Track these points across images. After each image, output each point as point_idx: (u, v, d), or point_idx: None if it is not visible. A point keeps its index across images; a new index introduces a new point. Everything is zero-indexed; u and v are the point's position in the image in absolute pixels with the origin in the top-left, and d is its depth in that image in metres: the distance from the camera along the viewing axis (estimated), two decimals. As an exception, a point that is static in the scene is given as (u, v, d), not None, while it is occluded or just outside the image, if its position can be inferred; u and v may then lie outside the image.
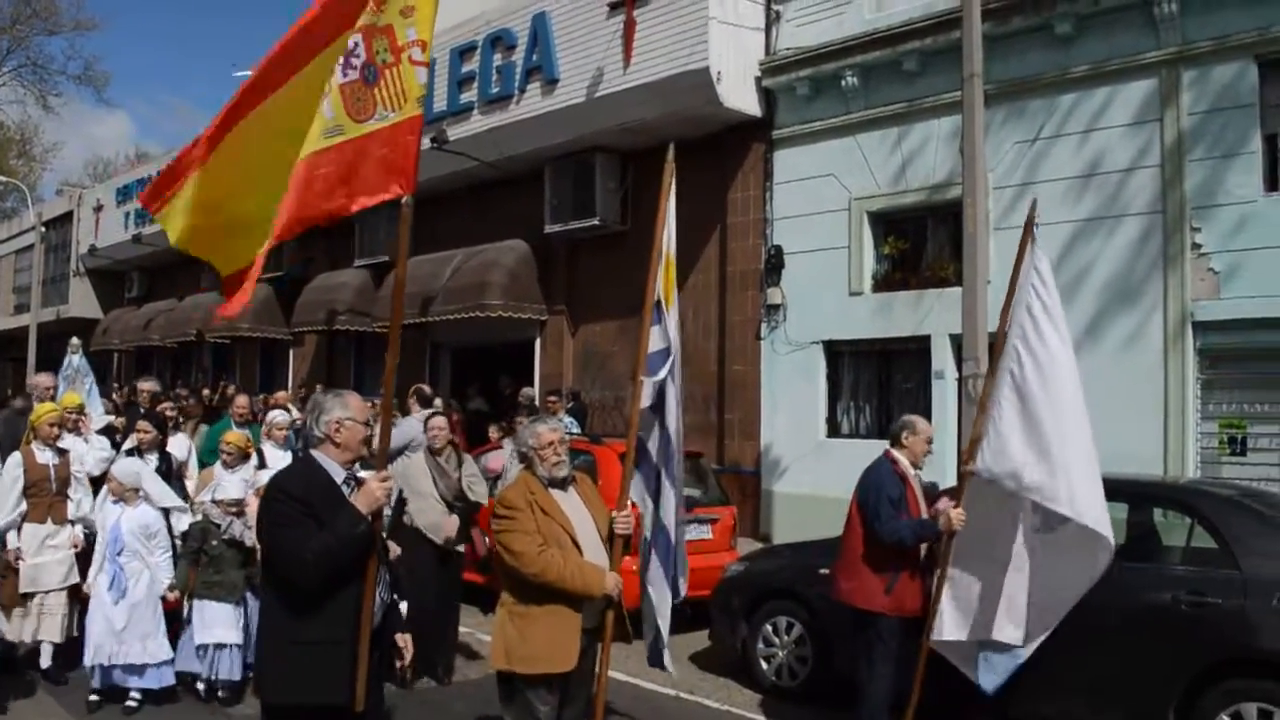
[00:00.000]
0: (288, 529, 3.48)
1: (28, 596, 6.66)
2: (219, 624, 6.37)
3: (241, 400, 9.93)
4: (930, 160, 11.26)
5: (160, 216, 3.84)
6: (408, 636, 3.98)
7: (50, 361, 29.16)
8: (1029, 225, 5.21)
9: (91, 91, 45.07)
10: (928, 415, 11.10)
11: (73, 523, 6.95)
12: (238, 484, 6.64)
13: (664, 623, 4.87)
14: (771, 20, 12.54)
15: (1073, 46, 10.24)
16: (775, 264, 12.27)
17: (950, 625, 5.25)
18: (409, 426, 8.78)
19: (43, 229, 28.25)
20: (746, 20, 12.32)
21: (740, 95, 12.28)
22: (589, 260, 14.65)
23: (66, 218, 28.81)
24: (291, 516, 3.49)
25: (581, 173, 13.92)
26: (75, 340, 10.87)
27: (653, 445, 4.80)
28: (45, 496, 6.86)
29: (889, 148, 11.59)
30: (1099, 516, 4.88)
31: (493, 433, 11.10)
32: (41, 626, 6.75)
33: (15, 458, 6.87)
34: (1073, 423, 4.96)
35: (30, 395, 13.56)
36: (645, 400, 4.72)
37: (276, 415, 8.63)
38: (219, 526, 6.48)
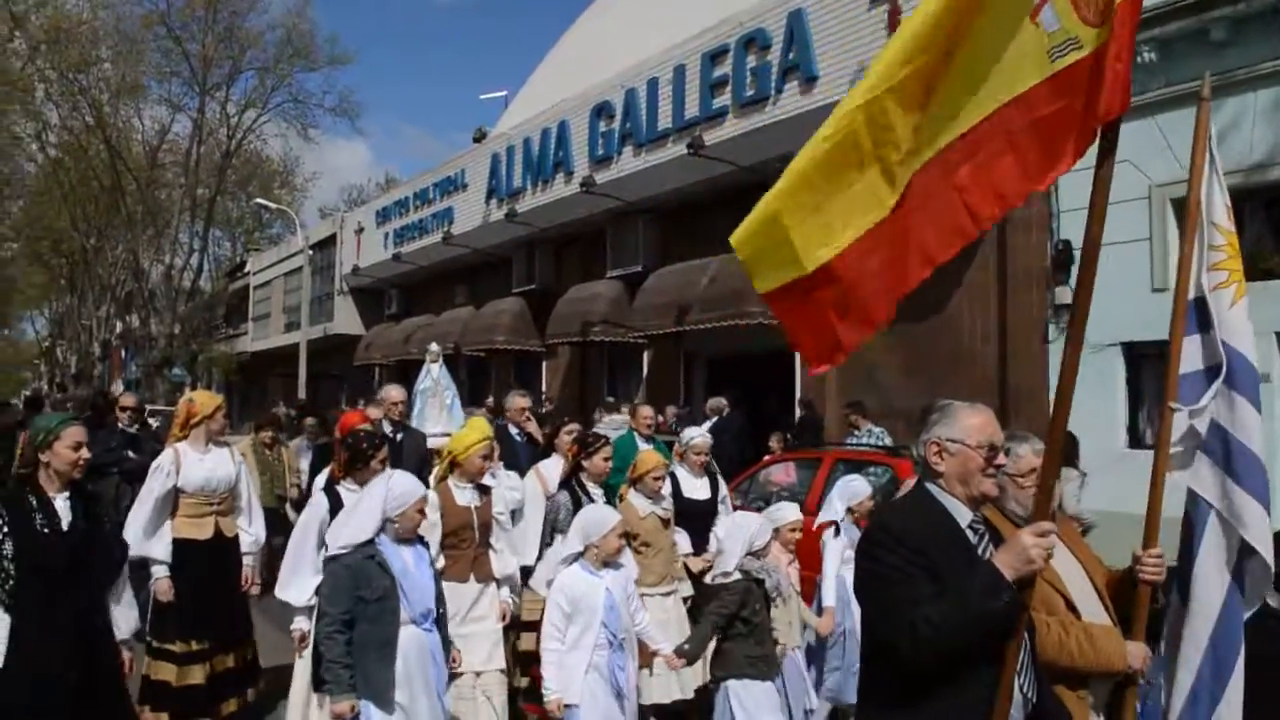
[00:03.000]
0: (895, 586, 2.69)
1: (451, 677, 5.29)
2: (767, 709, 5.07)
3: (646, 411, 8.50)
4: (1245, 138, 10.38)
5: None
6: None
7: (318, 377, 31.53)
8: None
9: (346, 122, 48.40)
10: (1251, 423, 10.27)
11: (499, 582, 5.74)
12: (759, 523, 5.41)
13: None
14: (1052, -3, 11.85)
15: None
16: (1064, 260, 11.65)
17: None
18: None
19: (310, 252, 30.47)
20: None
21: (1019, 80, 11.65)
22: (852, 263, 14.33)
23: (330, 240, 31.16)
24: (901, 570, 2.70)
25: (843, 172, 13.61)
26: (434, 347, 9.73)
27: (1212, 499, 3.49)
28: (468, 548, 5.61)
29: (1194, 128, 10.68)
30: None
31: (775, 443, 10.99)
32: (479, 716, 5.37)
33: (430, 499, 5.43)
34: None
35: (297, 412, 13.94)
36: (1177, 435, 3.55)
37: (694, 436, 7.16)
38: (760, 584, 5.17)
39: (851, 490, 6.23)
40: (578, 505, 5.71)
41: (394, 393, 8.23)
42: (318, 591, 4.82)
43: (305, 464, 10.23)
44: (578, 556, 4.91)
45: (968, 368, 12.88)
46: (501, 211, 20.42)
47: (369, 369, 29.55)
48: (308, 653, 5.03)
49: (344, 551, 4.34)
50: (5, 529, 3.95)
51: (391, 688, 4.24)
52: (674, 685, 5.91)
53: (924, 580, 2.67)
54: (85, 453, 4.18)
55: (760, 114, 14.12)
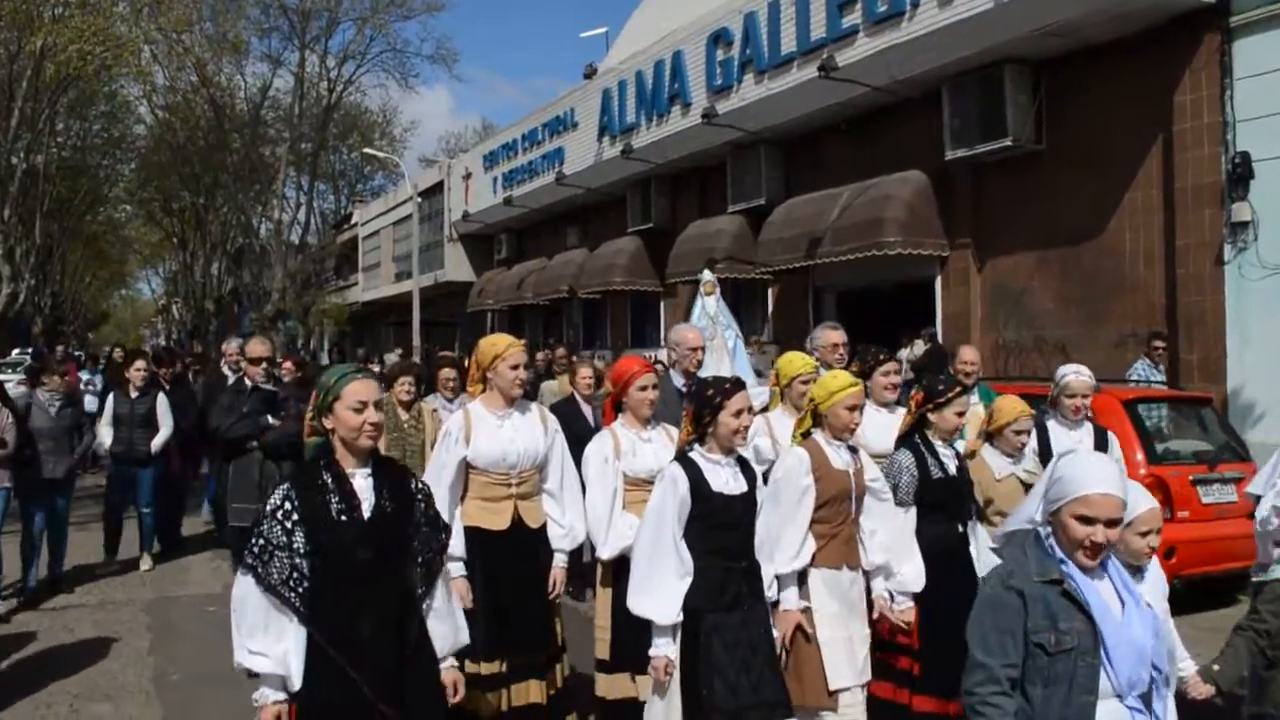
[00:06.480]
0: None
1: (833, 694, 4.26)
2: None
3: (970, 354, 7.12)
4: None
5: None
6: None
7: (430, 324, 31.77)
8: None
9: (442, 70, 48.45)
10: None
11: (867, 572, 4.53)
12: None
13: None
14: (1223, -117, 10.96)
15: None
16: (1241, 175, 10.86)
17: None
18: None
19: (418, 200, 30.59)
20: (1193, -112, 10.85)
21: (1189, -22, 10.86)
22: (997, 187, 13.76)
23: (437, 188, 31.30)
24: None
25: (987, 89, 13.03)
26: (708, 276, 8.03)
27: None
28: (843, 524, 4.43)
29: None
30: None
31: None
32: None
33: (800, 457, 4.37)
34: None
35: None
36: None
37: (1068, 374, 5.93)
38: None
39: None
40: (922, 467, 4.69)
41: (690, 335, 6.26)
42: (685, 605, 3.87)
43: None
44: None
45: (1129, 293, 12.18)
46: (615, 149, 20.07)
47: (482, 315, 29.69)
48: (674, 693, 3.89)
49: (1008, 574, 2.80)
50: (295, 516, 3.09)
51: None
52: None
53: None
54: (372, 414, 3.19)
55: (895, 30, 13.40)
